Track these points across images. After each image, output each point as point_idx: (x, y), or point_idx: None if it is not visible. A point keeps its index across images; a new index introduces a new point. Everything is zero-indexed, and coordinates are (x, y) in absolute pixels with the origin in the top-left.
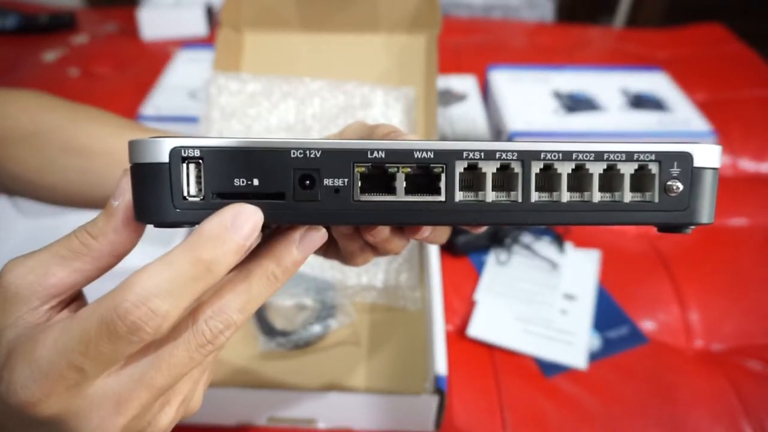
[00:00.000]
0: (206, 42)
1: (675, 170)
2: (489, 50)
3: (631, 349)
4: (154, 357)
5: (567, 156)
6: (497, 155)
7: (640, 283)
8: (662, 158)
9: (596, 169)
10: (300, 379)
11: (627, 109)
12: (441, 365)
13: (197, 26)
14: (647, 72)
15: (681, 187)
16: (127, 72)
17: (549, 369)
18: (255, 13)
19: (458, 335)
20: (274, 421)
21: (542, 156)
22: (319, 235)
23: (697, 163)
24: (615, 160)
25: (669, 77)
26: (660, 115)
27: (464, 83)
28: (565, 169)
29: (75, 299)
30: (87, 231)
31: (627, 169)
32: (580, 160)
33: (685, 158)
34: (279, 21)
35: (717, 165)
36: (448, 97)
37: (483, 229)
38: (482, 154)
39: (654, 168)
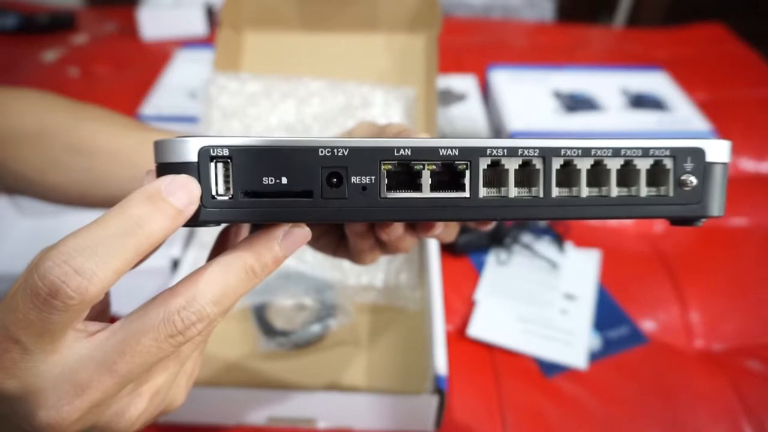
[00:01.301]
0: (206, 42)
1: (689, 165)
2: (489, 50)
3: (631, 349)
4: (119, 341)
5: (586, 152)
6: (519, 152)
7: (640, 283)
8: (677, 154)
9: (614, 164)
10: (300, 379)
11: (627, 109)
12: (441, 365)
13: (197, 26)
14: (647, 72)
15: (695, 181)
16: (127, 72)
17: (549, 369)
18: (255, 13)
19: (458, 335)
20: (274, 421)
21: (563, 152)
22: (303, 234)
23: (709, 158)
24: (632, 156)
25: (669, 77)
26: (660, 115)
27: (464, 83)
28: (584, 165)
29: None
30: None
31: (643, 165)
32: (599, 156)
33: (698, 153)
34: (279, 21)
35: (727, 160)
36: (448, 97)
37: (491, 226)
38: (505, 150)
39: (669, 163)
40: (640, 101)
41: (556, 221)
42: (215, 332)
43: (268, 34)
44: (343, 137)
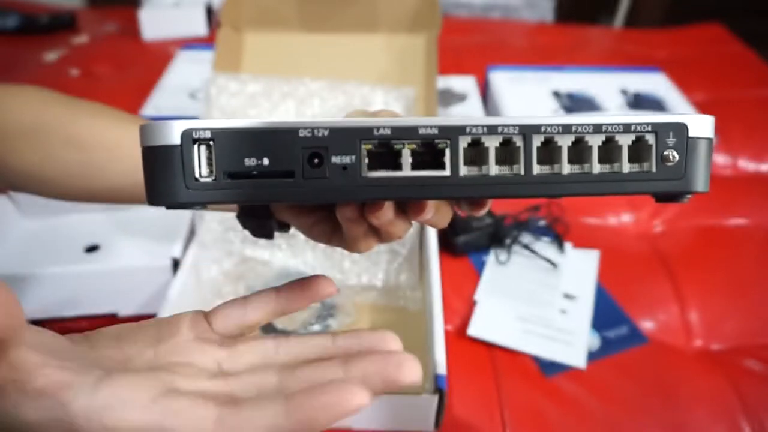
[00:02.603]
0: (206, 42)
1: (671, 140)
2: (489, 50)
3: (631, 349)
4: None
5: (567, 129)
6: (499, 129)
7: (640, 282)
8: (658, 129)
9: (595, 141)
10: None
11: (626, 109)
12: (441, 365)
13: (197, 26)
14: (647, 72)
15: (677, 156)
16: (128, 72)
17: (549, 368)
18: (255, 13)
19: (458, 335)
20: None
21: (543, 129)
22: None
23: (692, 133)
24: (613, 132)
25: (668, 77)
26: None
27: (464, 83)
28: (565, 141)
29: None
30: None
31: (625, 141)
32: (580, 132)
33: (681, 129)
34: (279, 21)
35: (711, 135)
36: (448, 97)
37: (485, 210)
38: (485, 129)
39: (651, 139)
40: (640, 101)
41: (539, 199)
42: None
43: (268, 34)
44: (326, 119)
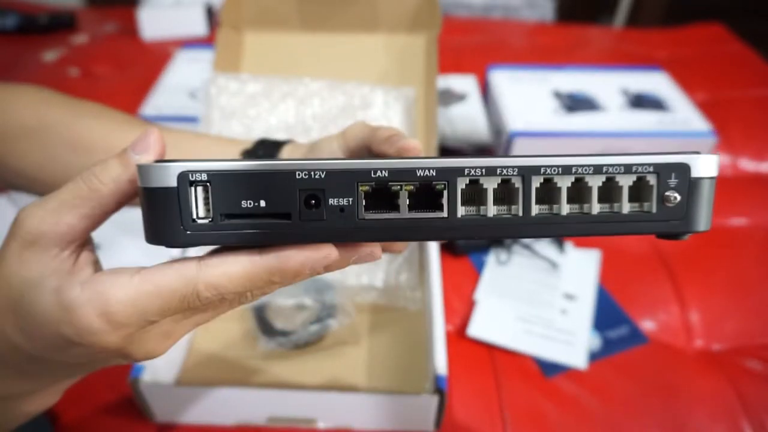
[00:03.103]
0: (206, 42)
1: (673, 181)
2: (489, 50)
3: (631, 349)
4: (206, 309)
5: (567, 170)
6: (498, 171)
7: (640, 283)
8: (660, 170)
9: (595, 181)
10: (300, 379)
11: (627, 109)
12: (441, 365)
13: (197, 26)
14: (647, 72)
15: (678, 197)
16: (127, 72)
17: (549, 369)
18: (255, 13)
19: (458, 335)
20: (274, 421)
21: (542, 171)
22: (374, 254)
23: (694, 173)
24: (614, 173)
25: (669, 77)
26: (660, 115)
27: (464, 83)
28: (564, 182)
29: (87, 242)
30: (97, 177)
31: (625, 181)
32: (580, 174)
33: (683, 169)
34: (279, 21)
35: (714, 174)
36: (448, 97)
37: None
38: (483, 170)
39: (652, 179)
40: (640, 101)
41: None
42: (215, 332)
43: (268, 34)
44: (319, 159)
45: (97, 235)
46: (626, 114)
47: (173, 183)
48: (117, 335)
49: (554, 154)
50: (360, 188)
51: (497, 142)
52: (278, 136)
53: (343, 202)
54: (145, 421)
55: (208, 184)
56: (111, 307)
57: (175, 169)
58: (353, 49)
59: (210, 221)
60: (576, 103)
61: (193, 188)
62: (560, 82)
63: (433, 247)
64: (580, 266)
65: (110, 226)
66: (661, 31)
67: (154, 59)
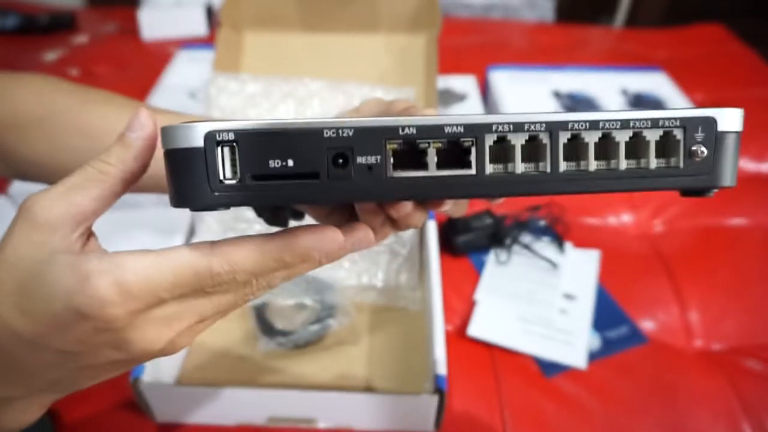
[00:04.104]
0: (206, 42)
1: (699, 135)
2: (489, 50)
3: (631, 349)
4: (212, 295)
5: (594, 125)
6: (526, 127)
7: (640, 282)
8: (687, 124)
9: (622, 137)
10: (300, 379)
11: (626, 109)
12: (441, 365)
13: (197, 26)
14: (647, 72)
15: (705, 151)
16: (128, 72)
17: (549, 369)
18: (255, 13)
19: (458, 335)
20: (274, 421)
21: (570, 126)
22: (368, 238)
23: (720, 127)
24: (641, 128)
25: (669, 77)
26: None
27: (464, 83)
28: (592, 138)
29: (92, 233)
30: (103, 160)
31: (652, 136)
32: (607, 129)
33: (709, 123)
34: (279, 21)
35: (739, 128)
36: (448, 97)
37: (501, 199)
38: (511, 126)
39: (679, 134)
40: (640, 101)
41: (564, 195)
42: (215, 332)
43: (268, 34)
44: (347, 117)
45: (96, 234)
46: None
47: (200, 143)
48: (125, 309)
49: (581, 111)
50: (388, 146)
51: None
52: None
53: (372, 160)
54: (145, 421)
55: (235, 143)
56: (126, 276)
57: (201, 129)
58: (353, 49)
59: (237, 182)
60: (576, 103)
61: (219, 148)
62: (560, 82)
63: (433, 247)
64: (579, 266)
65: (110, 225)
66: (661, 32)
67: (154, 59)
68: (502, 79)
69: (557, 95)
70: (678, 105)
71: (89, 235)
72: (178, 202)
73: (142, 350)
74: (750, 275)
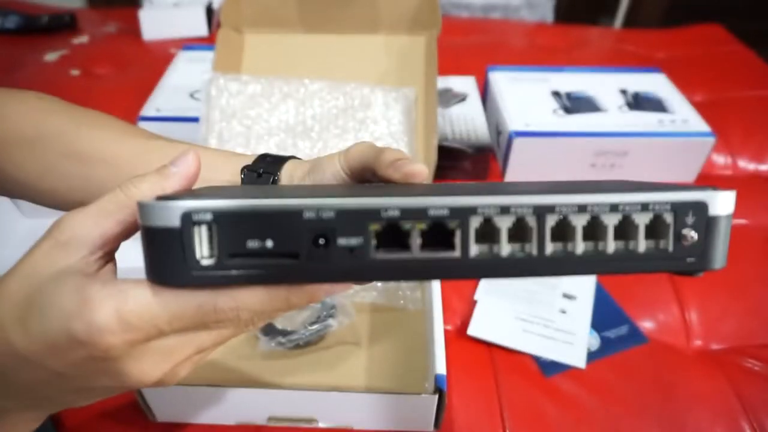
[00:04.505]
0: (207, 42)
1: (690, 219)
2: (489, 50)
3: (631, 349)
4: (213, 330)
5: (582, 209)
6: (512, 210)
7: (640, 282)
8: (677, 208)
9: (611, 220)
10: (300, 379)
11: (626, 110)
12: (441, 365)
13: (198, 26)
14: (646, 72)
15: (695, 236)
16: (128, 72)
17: (548, 368)
18: (255, 13)
19: (458, 335)
20: (274, 420)
21: (557, 210)
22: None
23: (712, 211)
24: (630, 211)
25: (668, 78)
26: (659, 116)
27: (464, 83)
28: (579, 221)
29: (113, 258)
30: (135, 185)
31: (642, 220)
32: (595, 212)
33: (700, 207)
34: (279, 21)
35: (731, 211)
36: (448, 97)
37: None
38: (498, 209)
39: (669, 217)
40: (640, 102)
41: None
42: None
43: (268, 34)
44: (328, 198)
45: None
46: (625, 114)
47: (177, 224)
48: (122, 338)
49: (569, 190)
50: (370, 228)
51: (497, 142)
52: (279, 136)
53: (353, 242)
54: (145, 420)
55: (212, 223)
56: (127, 305)
57: (178, 209)
58: (353, 50)
59: (215, 261)
60: (575, 103)
61: (197, 227)
62: (560, 83)
63: None
64: None
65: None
66: (661, 32)
67: (154, 59)
68: (501, 79)
69: (557, 95)
70: (678, 105)
71: (108, 260)
72: (155, 277)
73: (138, 381)
74: (750, 275)
